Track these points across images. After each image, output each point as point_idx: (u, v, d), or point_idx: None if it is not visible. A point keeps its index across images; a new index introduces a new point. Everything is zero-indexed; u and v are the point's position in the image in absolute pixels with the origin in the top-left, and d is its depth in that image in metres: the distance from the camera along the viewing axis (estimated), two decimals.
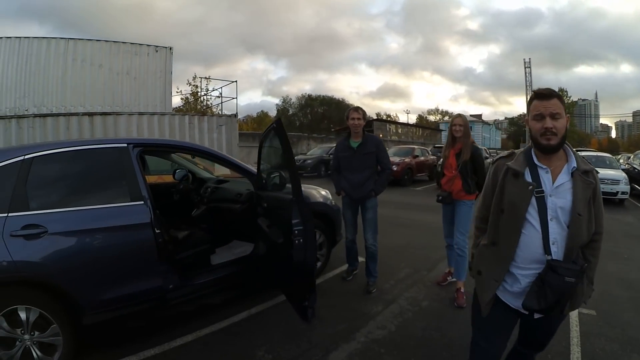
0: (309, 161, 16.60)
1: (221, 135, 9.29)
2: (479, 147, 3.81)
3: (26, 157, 2.52)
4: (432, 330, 3.06)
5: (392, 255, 4.86)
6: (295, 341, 2.87)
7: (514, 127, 72.95)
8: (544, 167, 1.57)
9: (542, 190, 1.54)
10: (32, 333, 2.37)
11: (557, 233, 1.52)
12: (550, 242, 1.52)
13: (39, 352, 2.38)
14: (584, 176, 1.53)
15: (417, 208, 8.54)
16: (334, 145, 20.62)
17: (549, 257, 1.51)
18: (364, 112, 3.81)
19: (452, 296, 3.63)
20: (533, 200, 1.54)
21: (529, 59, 52.20)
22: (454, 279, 3.83)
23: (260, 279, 3.48)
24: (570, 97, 64.36)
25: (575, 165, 1.54)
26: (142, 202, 2.71)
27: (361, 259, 4.17)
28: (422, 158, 14.94)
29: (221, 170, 5.35)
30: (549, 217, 1.52)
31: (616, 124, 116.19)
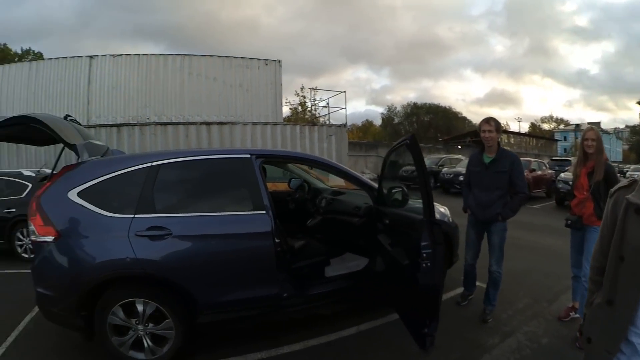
0: (414, 173, 15.98)
1: (331, 145, 9.51)
2: (612, 164, 3.25)
3: (154, 163, 2.71)
4: None
5: (511, 281, 4.37)
6: None
7: (637, 137, 62.23)
8: None
9: None
10: (146, 324, 2.56)
11: None
12: None
13: (150, 342, 2.58)
14: None
15: (537, 229, 7.67)
16: (443, 156, 19.93)
17: None
18: (497, 124, 3.43)
19: (574, 335, 3.17)
20: None
21: None
22: (577, 315, 3.41)
23: (374, 295, 3.36)
24: None
25: None
26: (264, 212, 2.77)
27: (478, 283, 3.82)
28: (539, 172, 13.42)
29: (334, 181, 5.41)
30: None
31: None
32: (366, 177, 3.62)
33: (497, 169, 3.37)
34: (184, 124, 9.17)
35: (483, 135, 3.41)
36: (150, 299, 2.54)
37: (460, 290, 3.89)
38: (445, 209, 4.13)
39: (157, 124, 9.29)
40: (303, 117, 25.00)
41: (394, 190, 2.98)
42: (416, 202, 3.26)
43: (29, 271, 2.69)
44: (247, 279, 2.77)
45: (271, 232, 2.73)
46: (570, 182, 11.80)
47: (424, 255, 2.24)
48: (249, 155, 2.94)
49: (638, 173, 13.88)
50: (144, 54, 11.93)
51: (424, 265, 2.23)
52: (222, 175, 2.93)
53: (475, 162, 3.56)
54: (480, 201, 3.44)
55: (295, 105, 25.79)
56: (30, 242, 5.18)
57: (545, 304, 3.90)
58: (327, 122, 15.86)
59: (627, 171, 29.06)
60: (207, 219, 2.70)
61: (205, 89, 11.61)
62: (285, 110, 26.79)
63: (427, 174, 2.49)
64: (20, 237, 5.56)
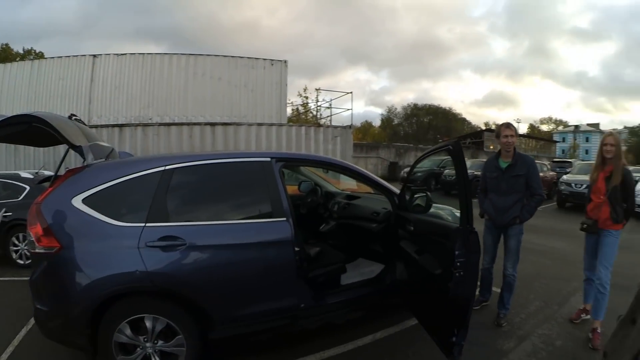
0: (418, 174, 16.11)
1: (336, 146, 9.45)
2: (630, 169, 3.30)
3: (167, 167, 2.51)
4: None
5: (521, 285, 4.37)
6: None
7: (635, 138, 62.57)
8: None
9: None
10: (155, 342, 2.37)
11: None
12: None
13: None
14: None
15: (542, 231, 7.68)
16: (444, 158, 19.88)
17: None
18: (515, 129, 3.48)
19: (586, 336, 3.26)
20: None
21: None
22: (588, 317, 3.49)
23: (391, 303, 3.33)
24: None
25: None
26: (285, 219, 2.65)
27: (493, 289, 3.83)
28: (540, 174, 13.41)
29: (345, 184, 5.30)
30: None
31: None
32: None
33: (514, 172, 3.39)
34: (187, 124, 9.03)
35: (505, 140, 3.42)
36: (160, 315, 2.36)
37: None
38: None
39: (160, 124, 9.15)
40: (305, 118, 24.94)
41: (416, 196, 2.92)
42: (438, 209, 3.22)
43: (24, 279, 2.48)
44: (264, 291, 2.62)
45: (291, 240, 2.62)
46: (573, 184, 11.81)
47: (458, 264, 2.19)
48: (269, 159, 2.80)
49: (637, 174, 13.87)
50: (148, 54, 11.83)
51: (457, 274, 2.19)
52: (240, 180, 2.78)
53: (492, 168, 3.56)
54: (498, 206, 3.45)
55: (297, 106, 25.74)
56: (26, 248, 5.04)
57: (555, 306, 3.94)
58: (330, 123, 15.82)
59: None
60: (224, 228, 2.53)
61: (210, 89, 11.50)
62: (287, 111, 26.87)
63: (468, 182, 2.39)
64: (16, 242, 5.29)
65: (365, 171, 3.51)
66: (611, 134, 3.31)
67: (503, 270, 3.55)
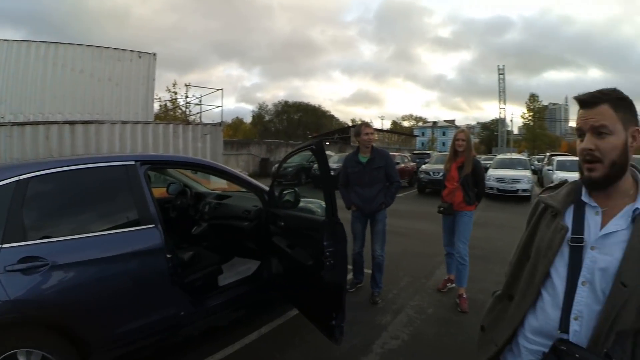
0: (289, 169, 16.57)
1: (205, 145, 8.93)
2: (481, 158, 4.02)
3: (22, 177, 2.21)
4: (443, 336, 3.20)
5: (390, 264, 4.89)
6: (314, 359, 2.85)
7: (487, 132, 75.35)
8: (594, 205, 1.07)
9: (582, 238, 1.04)
10: None
11: (585, 305, 1.00)
12: (572, 316, 1.01)
13: None
14: None
15: (405, 215, 8.68)
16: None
17: (562, 337, 1.01)
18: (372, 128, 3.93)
19: (453, 302, 3.78)
20: (565, 250, 1.07)
21: (503, 65, 54.30)
22: (453, 285, 4.03)
23: (271, 297, 3.40)
24: (541, 102, 67.25)
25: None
26: (153, 225, 2.52)
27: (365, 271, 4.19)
28: (402, 165, 15.04)
29: (215, 184, 5.16)
30: (580, 280, 1.02)
31: None
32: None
33: (375, 165, 3.80)
34: (44, 123, 7.61)
35: (366, 137, 3.82)
36: (34, 348, 2.07)
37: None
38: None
39: (14, 124, 7.61)
40: (174, 115, 23.39)
41: (285, 192, 3.01)
42: (308, 203, 3.39)
43: None
44: (140, 304, 2.47)
45: (162, 247, 2.50)
46: (431, 173, 13.71)
47: (327, 253, 2.34)
48: (133, 162, 2.62)
49: (489, 162, 16.96)
50: (2, 40, 9.60)
51: (327, 263, 2.34)
52: (103, 188, 2.55)
53: (353, 163, 3.92)
54: (365, 196, 3.81)
55: (165, 102, 23.92)
56: None
57: (423, 280, 4.51)
58: (200, 120, 15.10)
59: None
60: (89, 241, 2.29)
61: (70, 82, 9.77)
62: (155, 108, 24.82)
63: (330, 178, 2.58)
64: None
65: (234, 170, 3.52)
66: (462, 130, 3.92)
67: (372, 253, 3.93)
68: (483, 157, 36.74)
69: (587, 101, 1.04)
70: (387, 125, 77.99)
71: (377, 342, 3.08)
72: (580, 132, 1.05)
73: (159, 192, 4.42)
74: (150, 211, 2.54)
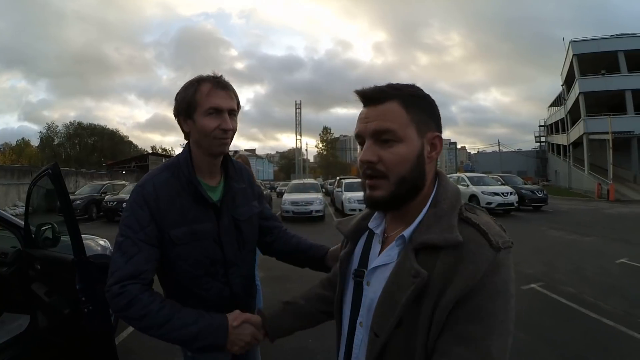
0: (77, 202, 14.33)
1: None
2: (277, 185, 4.34)
3: None
4: None
5: None
6: None
7: (285, 160, 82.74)
8: (377, 231, 0.88)
9: (363, 272, 0.87)
10: None
11: (362, 347, 0.83)
12: (352, 358, 0.87)
13: None
14: (423, 255, 0.72)
15: None
16: (106, 182, 18.79)
17: None
18: None
19: None
20: (350, 285, 0.91)
21: (300, 100, 61.83)
22: None
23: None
24: (332, 134, 78.40)
25: (411, 233, 0.77)
26: None
27: None
28: None
29: None
30: (358, 319, 0.86)
31: None
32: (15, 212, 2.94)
33: None
34: None
35: None
36: None
37: None
38: (105, 241, 3.74)
39: None
40: None
41: (43, 228, 2.52)
42: (85, 239, 2.98)
43: None
44: None
45: None
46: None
47: (83, 298, 1.96)
48: None
49: (284, 187, 18.53)
50: None
51: (85, 310, 1.95)
52: None
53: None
54: None
55: None
56: None
57: None
58: None
59: (277, 187, 37.31)
60: None
61: None
62: None
63: (71, 209, 2.10)
64: None
65: None
66: (240, 156, 4.00)
67: None
68: (281, 182, 39.23)
69: (371, 96, 0.79)
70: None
71: None
72: (360, 139, 0.81)
73: None
74: None
